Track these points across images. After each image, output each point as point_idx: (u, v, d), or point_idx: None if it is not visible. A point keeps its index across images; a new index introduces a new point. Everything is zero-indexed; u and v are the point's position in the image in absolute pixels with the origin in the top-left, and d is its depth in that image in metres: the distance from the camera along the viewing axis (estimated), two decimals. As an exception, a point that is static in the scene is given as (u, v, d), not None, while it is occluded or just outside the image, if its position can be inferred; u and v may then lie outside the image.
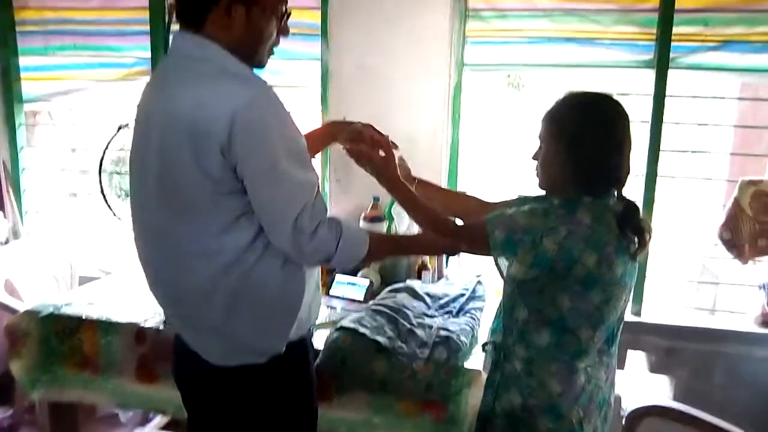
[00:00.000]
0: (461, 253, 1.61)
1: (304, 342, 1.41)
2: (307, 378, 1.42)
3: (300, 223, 1.20)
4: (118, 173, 2.57)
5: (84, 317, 1.94)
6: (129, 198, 1.37)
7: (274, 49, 1.34)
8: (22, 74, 2.91)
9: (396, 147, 1.55)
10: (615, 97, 1.35)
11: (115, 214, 2.55)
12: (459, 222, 1.54)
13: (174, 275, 1.29)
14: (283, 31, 1.32)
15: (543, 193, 1.41)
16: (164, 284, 1.34)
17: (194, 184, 1.18)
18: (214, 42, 1.22)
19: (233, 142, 1.14)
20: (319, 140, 1.62)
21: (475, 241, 1.36)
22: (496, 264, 1.45)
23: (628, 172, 1.34)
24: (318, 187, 1.26)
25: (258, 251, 1.24)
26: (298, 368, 1.39)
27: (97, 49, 2.81)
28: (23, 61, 2.89)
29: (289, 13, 1.31)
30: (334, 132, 1.60)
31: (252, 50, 1.27)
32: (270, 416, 1.35)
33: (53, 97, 2.99)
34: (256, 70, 1.30)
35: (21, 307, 2.21)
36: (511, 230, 1.30)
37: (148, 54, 2.74)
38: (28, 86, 2.94)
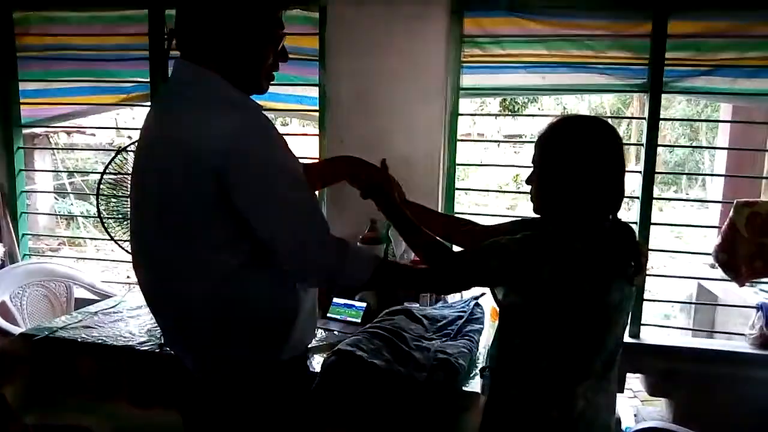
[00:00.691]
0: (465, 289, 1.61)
1: (298, 363, 1.40)
2: (298, 399, 1.41)
3: (303, 245, 1.21)
4: (115, 197, 2.57)
5: (79, 341, 1.93)
6: (129, 218, 1.39)
7: (274, 75, 1.35)
8: (22, 99, 2.94)
9: (387, 168, 1.56)
10: (607, 120, 1.37)
11: (112, 238, 2.55)
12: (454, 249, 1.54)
13: (168, 291, 1.30)
14: (282, 56, 1.33)
15: (538, 216, 1.42)
16: (158, 299, 1.35)
17: (188, 206, 1.19)
18: (212, 69, 1.24)
19: (228, 169, 1.15)
20: (330, 176, 1.63)
21: (469, 269, 1.36)
22: (492, 291, 1.44)
23: (622, 196, 1.34)
24: (317, 205, 1.27)
25: (250, 271, 1.24)
26: (290, 389, 1.37)
27: (97, 74, 2.84)
28: (23, 85, 2.92)
29: (284, 36, 1.31)
30: (349, 173, 1.58)
31: (250, 77, 1.28)
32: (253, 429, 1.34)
33: (52, 121, 3.01)
34: (255, 96, 1.31)
35: (16, 330, 2.20)
36: (506, 259, 1.30)
37: (147, 79, 2.78)
38: (27, 110, 2.96)
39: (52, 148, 3.96)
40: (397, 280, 1.41)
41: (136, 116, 2.90)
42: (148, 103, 2.79)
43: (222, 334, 1.27)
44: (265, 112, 1.28)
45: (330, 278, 1.27)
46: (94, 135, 4.49)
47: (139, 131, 1.37)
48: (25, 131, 3.05)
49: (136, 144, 1.38)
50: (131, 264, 1.40)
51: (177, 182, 1.18)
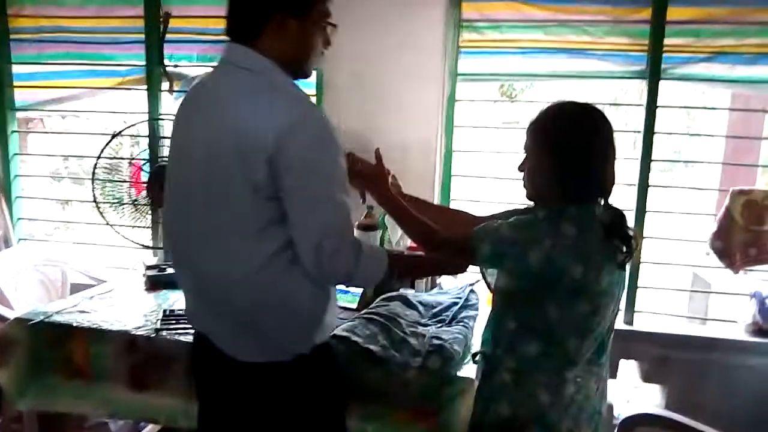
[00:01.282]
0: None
1: (329, 345, 1.44)
2: (334, 379, 1.45)
3: (324, 243, 1.22)
4: (110, 181, 2.56)
5: (75, 325, 1.93)
6: (166, 197, 1.42)
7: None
8: (15, 82, 2.91)
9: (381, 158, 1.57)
10: (601, 107, 1.36)
11: (107, 222, 2.54)
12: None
13: (207, 275, 1.32)
14: (327, 42, 1.36)
15: (531, 204, 1.42)
16: (199, 280, 1.36)
17: (236, 189, 1.23)
18: (266, 56, 1.27)
19: (280, 154, 1.18)
20: None
21: (462, 254, 1.38)
22: (483, 276, 1.45)
23: (614, 181, 1.35)
24: (349, 211, 1.28)
25: (289, 256, 1.27)
26: (324, 369, 1.41)
27: (91, 57, 2.81)
28: (16, 68, 2.89)
29: (336, 25, 1.36)
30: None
31: (301, 62, 1.33)
32: (294, 414, 1.37)
33: (46, 104, 2.99)
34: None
35: (11, 315, 2.19)
36: (497, 243, 1.31)
37: (142, 62, 2.75)
38: (21, 94, 2.93)
39: (47, 132, 3.94)
40: (404, 273, 1.48)
41: (132, 100, 2.87)
42: (144, 87, 2.77)
43: (258, 311, 1.30)
44: None
45: (344, 282, 1.31)
46: (89, 119, 4.47)
47: (177, 110, 1.39)
48: (19, 115, 3.02)
49: (176, 122, 1.39)
50: (163, 243, 1.42)
51: (226, 165, 1.21)
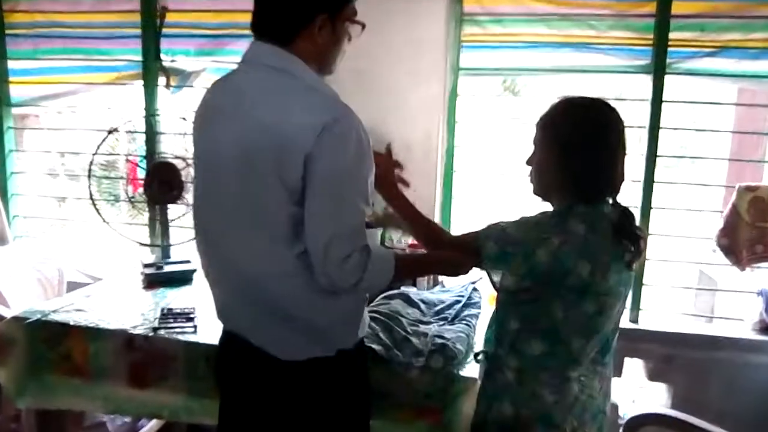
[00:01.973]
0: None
1: (363, 341, 1.45)
2: (367, 373, 1.46)
3: (334, 246, 1.20)
4: (107, 178, 2.54)
5: (72, 324, 1.91)
6: (193, 200, 1.42)
7: None
8: (11, 77, 2.88)
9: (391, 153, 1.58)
10: (610, 102, 1.34)
11: (104, 220, 2.51)
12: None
13: (248, 271, 1.30)
14: (349, 38, 1.38)
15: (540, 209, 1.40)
16: (239, 280, 1.33)
17: (271, 189, 1.22)
18: (297, 55, 1.27)
19: (315, 151, 1.18)
20: None
21: (468, 254, 1.36)
22: (489, 276, 1.44)
23: (623, 179, 1.33)
24: (364, 219, 1.26)
25: None
26: (361, 363, 1.43)
27: (87, 52, 2.79)
28: (12, 64, 2.86)
29: (364, 25, 1.37)
30: None
31: (329, 60, 1.34)
32: (331, 409, 1.37)
33: (42, 100, 2.96)
34: None
35: (7, 313, 2.17)
36: (504, 243, 1.30)
37: (139, 57, 2.72)
38: (16, 89, 2.91)
39: (43, 129, 3.90)
40: (409, 274, 1.57)
41: (129, 96, 2.85)
42: (141, 83, 2.74)
43: (309, 316, 1.30)
44: None
45: (352, 287, 1.27)
46: (85, 115, 4.45)
47: (198, 111, 1.38)
48: (15, 111, 2.99)
49: (200, 121, 1.38)
50: (195, 242, 1.43)
51: (265, 164, 1.20)
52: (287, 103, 1.22)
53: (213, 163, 1.32)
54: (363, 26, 1.37)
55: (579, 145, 1.28)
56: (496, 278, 1.38)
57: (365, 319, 1.41)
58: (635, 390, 2.59)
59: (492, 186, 2.81)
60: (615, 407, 2.27)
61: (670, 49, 2.33)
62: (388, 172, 1.52)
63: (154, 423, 2.55)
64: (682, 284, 2.93)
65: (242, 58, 1.33)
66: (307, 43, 1.27)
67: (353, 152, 1.22)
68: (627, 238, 1.28)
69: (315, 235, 1.21)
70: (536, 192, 1.38)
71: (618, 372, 2.31)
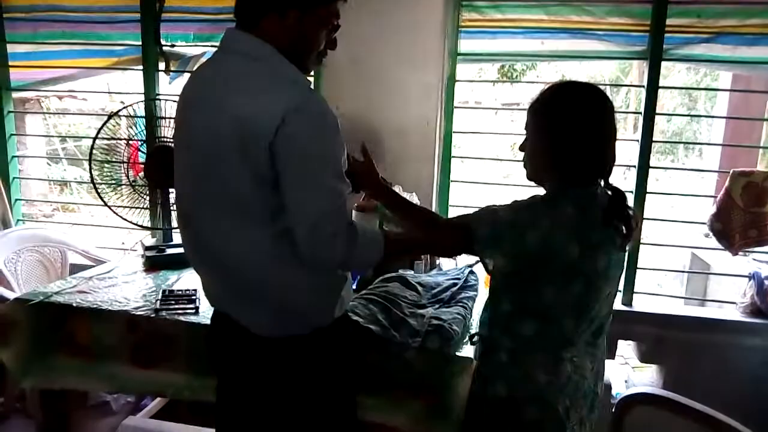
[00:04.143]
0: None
1: (345, 318, 1.48)
2: (348, 350, 1.49)
3: (319, 228, 1.22)
4: (108, 162, 2.55)
5: (75, 305, 1.93)
6: (174, 187, 1.45)
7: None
8: (10, 61, 2.88)
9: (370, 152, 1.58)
10: (600, 87, 1.35)
11: (106, 204, 2.53)
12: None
13: (224, 254, 1.33)
14: (331, 44, 1.37)
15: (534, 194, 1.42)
16: (216, 262, 1.37)
17: (237, 176, 1.24)
18: (268, 43, 1.27)
19: (279, 138, 1.19)
20: None
21: (461, 236, 1.37)
22: (481, 259, 1.46)
23: (614, 162, 1.34)
24: (345, 199, 1.27)
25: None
26: (340, 341, 1.45)
27: (87, 36, 2.79)
28: (11, 48, 2.86)
29: (339, 26, 1.36)
30: None
31: (300, 56, 1.32)
32: (312, 385, 1.41)
33: (42, 85, 2.96)
34: None
35: (11, 295, 2.20)
36: (495, 225, 1.31)
37: (138, 42, 2.72)
38: (16, 74, 2.91)
39: (44, 113, 3.90)
40: (401, 254, 1.55)
41: (128, 81, 2.85)
42: (140, 67, 2.75)
43: (281, 297, 1.34)
44: None
45: (339, 266, 1.31)
46: (86, 100, 4.44)
47: (179, 95, 1.41)
48: (16, 96, 3.00)
49: (179, 107, 1.40)
50: (177, 225, 1.47)
51: (229, 152, 1.23)
52: (252, 91, 1.23)
53: (187, 150, 1.35)
54: (337, 27, 1.36)
55: (569, 130, 1.29)
56: (489, 261, 1.40)
57: (345, 297, 1.43)
58: (628, 371, 2.63)
59: (489, 171, 2.82)
60: (608, 387, 2.30)
61: (666, 35, 2.34)
62: (369, 170, 1.53)
63: (157, 402, 2.59)
64: (676, 267, 2.95)
65: (219, 44, 1.35)
66: (273, 32, 1.27)
67: (321, 135, 1.23)
68: (618, 219, 1.29)
69: (298, 218, 1.23)
70: (530, 177, 1.40)
71: (611, 353, 2.34)
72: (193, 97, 1.35)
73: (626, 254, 1.38)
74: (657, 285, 2.70)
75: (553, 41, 2.44)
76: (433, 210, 2.48)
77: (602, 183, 1.33)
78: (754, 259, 2.51)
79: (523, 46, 2.48)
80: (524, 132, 1.39)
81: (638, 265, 2.49)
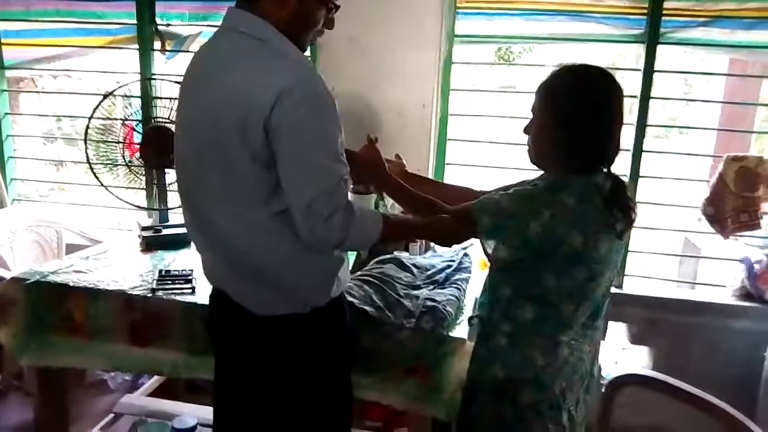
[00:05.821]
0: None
1: (341, 298, 1.49)
2: (344, 330, 1.50)
3: (315, 208, 1.22)
4: (104, 142, 2.54)
5: (72, 285, 1.94)
6: (175, 166, 1.45)
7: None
8: (3, 39, 2.85)
9: (376, 140, 1.58)
10: (610, 71, 1.33)
11: (102, 184, 2.53)
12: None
13: (224, 234, 1.34)
14: (328, 23, 1.38)
15: (538, 174, 1.42)
16: (216, 241, 1.38)
17: (236, 156, 1.24)
18: (267, 21, 1.27)
19: (274, 116, 1.19)
20: None
21: (463, 226, 1.37)
22: (483, 246, 1.46)
23: (618, 149, 1.33)
24: (343, 177, 1.27)
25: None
26: (337, 321, 1.47)
27: (81, 15, 2.75)
28: (4, 25, 2.83)
29: (338, 6, 1.36)
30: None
31: (297, 33, 1.32)
32: (308, 364, 1.43)
33: (36, 63, 2.94)
34: None
35: (7, 275, 2.20)
36: (498, 216, 1.31)
37: (134, 21, 2.69)
38: (9, 52, 2.88)
39: (38, 92, 3.86)
40: (399, 237, 1.56)
41: (124, 60, 2.83)
42: (136, 46, 2.72)
43: (280, 277, 1.35)
44: None
45: (337, 246, 1.31)
46: (81, 79, 4.40)
47: (183, 76, 1.40)
48: (9, 74, 2.97)
49: (181, 89, 1.41)
50: (180, 205, 1.48)
51: (229, 132, 1.23)
52: (252, 69, 1.24)
53: (189, 129, 1.36)
54: (337, 8, 1.37)
55: (577, 115, 1.28)
56: (490, 249, 1.40)
57: (342, 278, 1.44)
58: (618, 352, 2.66)
59: (485, 154, 2.82)
60: (598, 368, 2.33)
61: (664, 18, 2.33)
62: (375, 162, 1.53)
63: (154, 380, 2.62)
64: (667, 251, 2.98)
65: (221, 23, 1.35)
66: (272, 9, 1.28)
67: (317, 114, 1.23)
68: (618, 208, 1.29)
69: (295, 198, 1.23)
70: (533, 160, 1.38)
71: (602, 335, 2.36)
72: (196, 76, 1.36)
73: (623, 242, 1.38)
74: (649, 268, 2.72)
75: (550, 24, 2.42)
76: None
77: (605, 170, 1.32)
78: (746, 244, 2.52)
79: (521, 28, 2.46)
80: (530, 114, 1.36)
81: (630, 248, 2.51)
